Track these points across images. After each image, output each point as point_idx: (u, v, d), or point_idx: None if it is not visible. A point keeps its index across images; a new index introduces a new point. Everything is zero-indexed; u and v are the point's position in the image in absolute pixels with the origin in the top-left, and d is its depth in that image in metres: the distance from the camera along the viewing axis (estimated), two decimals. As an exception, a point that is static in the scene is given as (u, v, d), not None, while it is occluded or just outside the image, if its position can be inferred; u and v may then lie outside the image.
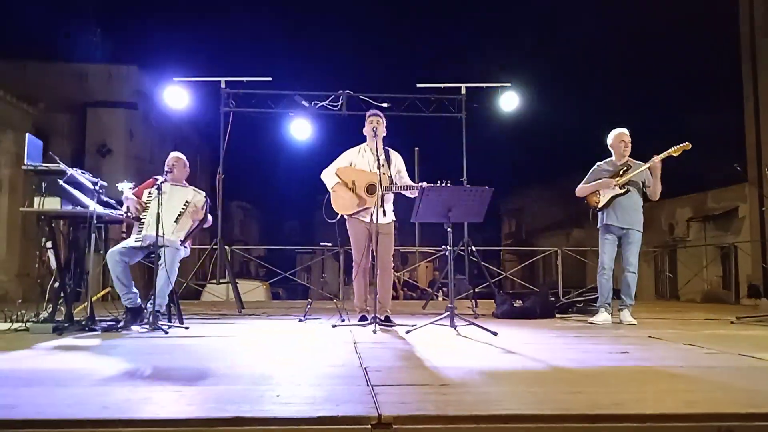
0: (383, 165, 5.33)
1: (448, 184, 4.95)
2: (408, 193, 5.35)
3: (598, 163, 6.04)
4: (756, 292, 13.56)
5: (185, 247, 5.31)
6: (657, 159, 5.65)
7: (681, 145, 5.65)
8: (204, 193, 5.35)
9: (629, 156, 5.90)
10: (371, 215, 5.18)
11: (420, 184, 5.14)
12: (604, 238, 5.89)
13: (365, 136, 5.58)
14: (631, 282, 5.79)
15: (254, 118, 8.82)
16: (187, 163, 5.56)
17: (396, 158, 5.59)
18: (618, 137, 5.93)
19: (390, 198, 5.48)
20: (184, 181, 5.55)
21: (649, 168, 5.72)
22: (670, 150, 5.66)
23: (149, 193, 5.19)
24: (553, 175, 30.20)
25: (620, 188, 5.79)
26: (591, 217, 6.01)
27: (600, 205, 5.88)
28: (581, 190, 6.05)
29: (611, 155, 6.00)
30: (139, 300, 5.16)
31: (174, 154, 5.58)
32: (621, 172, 5.82)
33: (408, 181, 5.52)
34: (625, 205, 5.79)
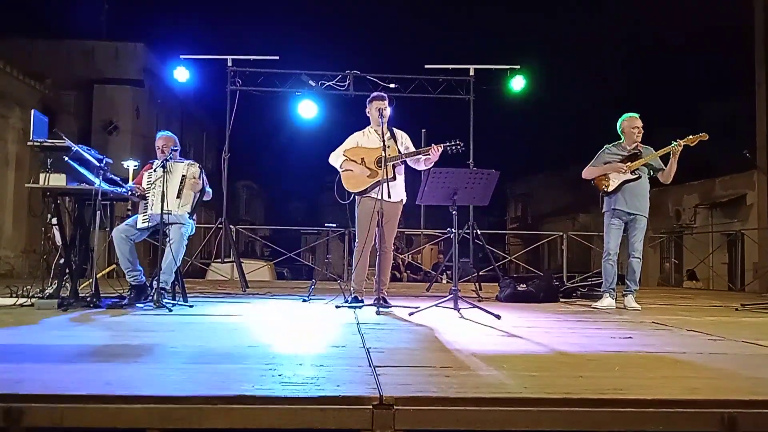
0: (389, 141, 5.33)
1: (459, 143, 4.99)
2: (418, 165, 5.31)
3: (607, 145, 5.97)
4: (693, 276, 15.49)
5: (192, 220, 5.32)
6: (681, 143, 5.58)
7: (698, 135, 5.58)
8: (197, 164, 5.35)
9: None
10: (381, 192, 5.14)
11: (431, 146, 5.12)
12: (610, 223, 5.86)
13: (368, 119, 5.53)
14: (636, 267, 5.78)
15: (261, 97, 8.78)
16: (174, 137, 5.52)
17: (402, 136, 5.55)
18: (631, 122, 5.85)
19: (401, 173, 5.46)
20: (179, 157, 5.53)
21: (671, 151, 5.64)
22: (687, 139, 5.59)
23: (149, 174, 5.21)
24: (560, 160, 30.10)
25: (632, 173, 5.74)
26: (601, 201, 5.96)
27: (610, 190, 5.83)
28: (590, 171, 5.97)
29: (619, 138, 5.94)
30: (143, 277, 5.18)
31: (166, 134, 5.56)
32: (632, 157, 5.76)
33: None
34: (635, 191, 5.75)
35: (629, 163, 5.74)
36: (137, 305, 4.87)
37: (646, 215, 5.79)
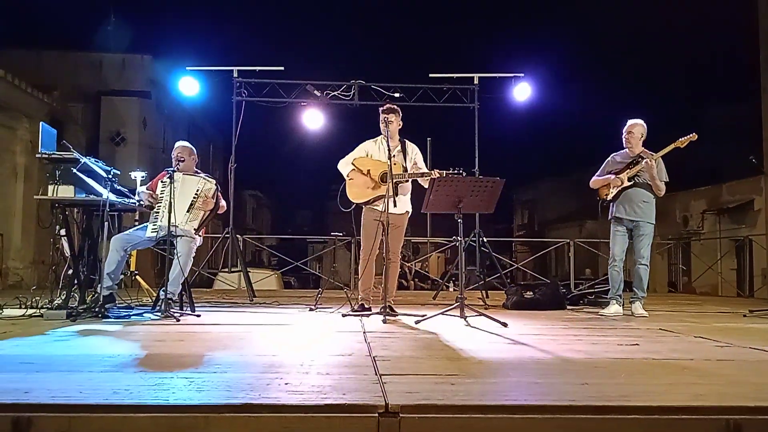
0: (398, 154, 5.37)
1: (462, 172, 4.98)
2: (421, 181, 5.35)
3: (612, 154, 6.00)
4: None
5: (198, 236, 5.33)
6: (650, 160, 5.58)
7: (687, 136, 5.59)
8: (214, 181, 5.34)
9: (644, 147, 5.84)
10: (386, 204, 5.18)
11: (432, 171, 5.15)
12: (614, 230, 5.87)
13: (380, 128, 5.56)
14: (643, 274, 5.76)
15: (266, 108, 8.83)
16: (194, 150, 5.53)
17: (412, 150, 5.60)
18: (626, 129, 5.89)
19: (407, 189, 5.48)
20: (196, 169, 5.57)
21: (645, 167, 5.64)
22: (676, 142, 5.60)
23: (162, 183, 5.22)
24: (566, 167, 30.12)
25: (628, 180, 5.74)
26: (600, 209, 5.98)
27: (609, 198, 5.85)
28: (594, 182, 6.06)
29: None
30: (113, 290, 5.16)
31: (179, 143, 5.55)
32: (631, 165, 5.77)
33: (422, 169, 5.51)
34: (634, 198, 5.75)
35: (627, 171, 5.75)
36: (146, 316, 4.88)
37: (650, 222, 5.77)
